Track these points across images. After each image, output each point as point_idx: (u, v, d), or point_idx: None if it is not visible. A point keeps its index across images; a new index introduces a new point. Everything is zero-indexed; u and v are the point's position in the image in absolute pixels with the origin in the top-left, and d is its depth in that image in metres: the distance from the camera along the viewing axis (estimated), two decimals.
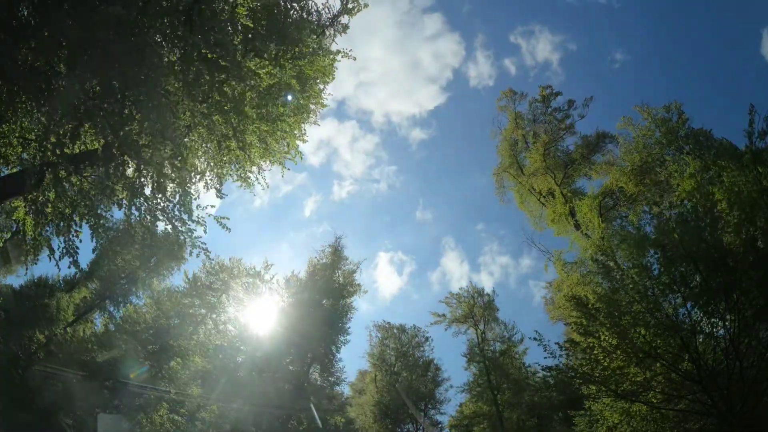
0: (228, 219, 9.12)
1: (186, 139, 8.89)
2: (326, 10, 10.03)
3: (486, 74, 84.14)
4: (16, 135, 8.69)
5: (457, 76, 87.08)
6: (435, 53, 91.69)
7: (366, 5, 10.13)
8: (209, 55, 7.52)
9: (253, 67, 8.09)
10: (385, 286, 76.43)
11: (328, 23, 10.09)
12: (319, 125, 11.31)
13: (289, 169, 11.01)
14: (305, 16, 9.33)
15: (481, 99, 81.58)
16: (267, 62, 8.34)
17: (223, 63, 7.52)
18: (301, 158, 10.94)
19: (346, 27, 10.18)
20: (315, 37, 9.70)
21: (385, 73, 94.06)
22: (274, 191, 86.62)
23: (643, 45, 72.61)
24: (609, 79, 72.98)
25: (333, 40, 10.30)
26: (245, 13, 7.84)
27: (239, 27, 7.93)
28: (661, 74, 71.31)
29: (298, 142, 10.69)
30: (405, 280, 78.68)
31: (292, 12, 9.00)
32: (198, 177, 9.63)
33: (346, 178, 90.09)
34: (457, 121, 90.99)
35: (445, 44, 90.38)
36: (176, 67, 7.71)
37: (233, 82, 8.09)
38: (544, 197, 31.58)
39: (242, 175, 10.28)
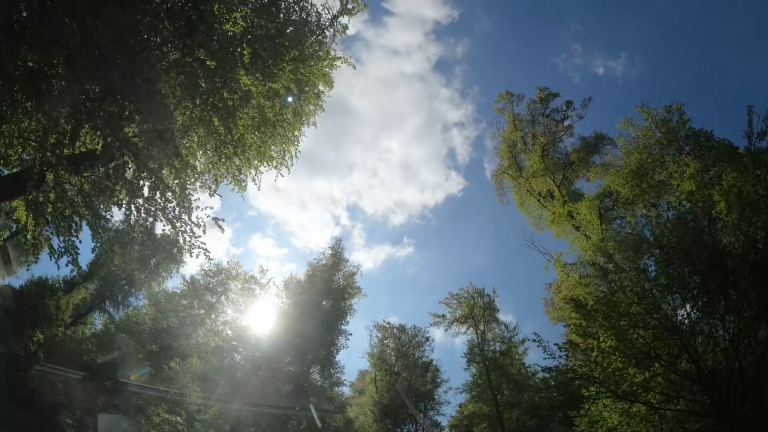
0: (223, 220, 9.12)
1: (184, 140, 8.90)
2: (326, 10, 10.04)
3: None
4: (16, 135, 8.71)
5: (475, 163, 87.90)
6: (456, 141, 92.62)
7: (366, 5, 10.13)
8: (208, 62, 7.56)
9: (249, 83, 8.14)
10: None
11: (327, 24, 10.09)
12: (316, 128, 11.32)
13: (284, 174, 11.07)
14: (305, 17, 9.35)
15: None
16: (263, 73, 8.39)
17: (221, 72, 7.56)
18: (296, 159, 10.99)
19: (345, 27, 10.18)
20: (314, 38, 9.71)
21: (405, 161, 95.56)
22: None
23: (645, 46, 72.94)
24: (609, 81, 73.39)
25: (333, 41, 10.31)
26: (247, 12, 7.87)
27: (238, 30, 7.96)
28: (661, 75, 71.53)
29: (294, 144, 10.78)
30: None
31: (291, 13, 9.02)
32: (195, 177, 9.65)
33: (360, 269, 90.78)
34: (469, 204, 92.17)
35: (467, 131, 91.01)
36: (175, 70, 7.73)
37: (232, 87, 8.14)
38: (544, 198, 31.58)
39: (237, 177, 10.32)
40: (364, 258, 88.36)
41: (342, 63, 10.38)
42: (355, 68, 10.49)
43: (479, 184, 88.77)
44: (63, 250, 8.29)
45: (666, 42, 69.08)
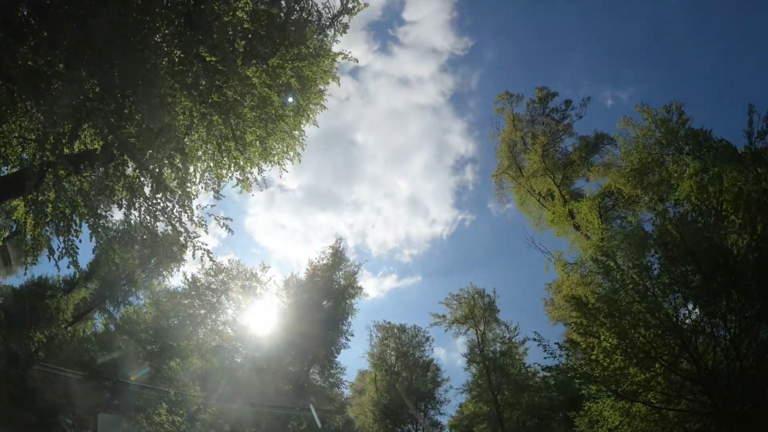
0: (231, 220, 9.12)
1: (185, 140, 8.90)
2: (327, 10, 10.04)
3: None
4: (16, 135, 8.70)
5: (485, 198, 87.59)
6: (468, 176, 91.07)
7: (366, 5, 10.12)
8: (208, 59, 7.56)
9: (251, 75, 8.12)
10: None
11: (328, 23, 10.09)
12: (318, 126, 11.35)
13: (287, 171, 11.12)
14: (306, 17, 9.34)
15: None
16: (264, 68, 8.39)
17: (221, 68, 7.56)
18: (300, 161, 11.05)
19: (346, 26, 10.17)
20: (316, 37, 9.72)
21: (414, 196, 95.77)
22: None
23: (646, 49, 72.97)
24: (610, 80, 73.51)
25: (334, 40, 10.32)
26: (245, 17, 7.87)
27: (239, 29, 7.95)
28: (662, 74, 71.55)
29: (297, 144, 10.83)
30: None
31: (293, 12, 9.01)
32: (197, 177, 9.67)
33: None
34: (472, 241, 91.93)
35: (478, 166, 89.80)
36: (175, 68, 7.72)
37: (233, 84, 8.14)
38: (544, 198, 31.58)
39: (241, 176, 10.34)
40: (371, 287, 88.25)
41: (342, 59, 10.39)
42: (357, 62, 10.49)
43: (488, 217, 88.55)
44: (63, 251, 8.30)
45: (669, 50, 69.16)
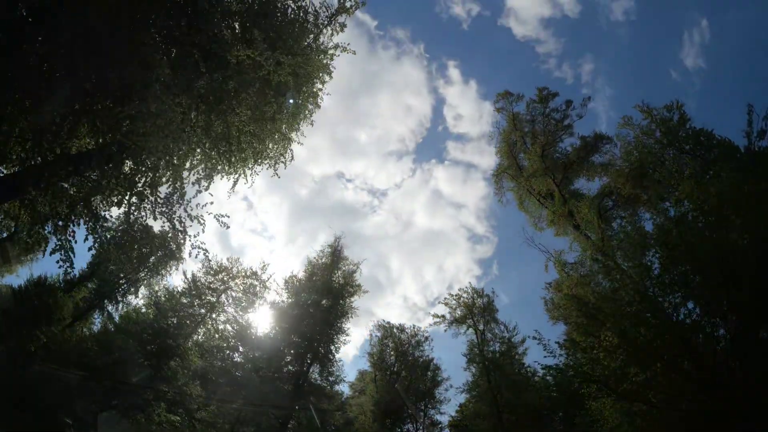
0: (228, 216, 9.16)
1: (182, 141, 8.91)
2: (324, 9, 10.02)
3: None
4: (15, 135, 8.70)
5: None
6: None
7: (363, 3, 10.09)
8: (206, 48, 7.54)
9: (248, 56, 8.06)
10: None
11: (326, 22, 10.08)
12: (312, 125, 11.34)
13: (284, 169, 11.13)
14: (302, 15, 9.34)
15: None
16: (260, 52, 8.35)
17: (218, 51, 7.52)
18: (292, 159, 11.08)
19: (343, 25, 10.15)
20: (312, 36, 9.71)
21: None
22: None
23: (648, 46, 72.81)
24: (609, 78, 73.36)
25: (330, 39, 10.29)
26: (242, 16, 7.87)
27: (236, 26, 7.96)
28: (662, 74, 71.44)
29: (294, 143, 10.86)
30: None
31: (289, 11, 9.01)
32: (192, 174, 9.68)
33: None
34: None
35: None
36: (174, 66, 7.72)
37: (231, 79, 8.13)
38: (544, 198, 31.53)
39: (235, 170, 10.36)
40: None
41: (341, 51, 10.32)
42: (355, 53, 10.40)
43: None
44: (64, 255, 8.31)
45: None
